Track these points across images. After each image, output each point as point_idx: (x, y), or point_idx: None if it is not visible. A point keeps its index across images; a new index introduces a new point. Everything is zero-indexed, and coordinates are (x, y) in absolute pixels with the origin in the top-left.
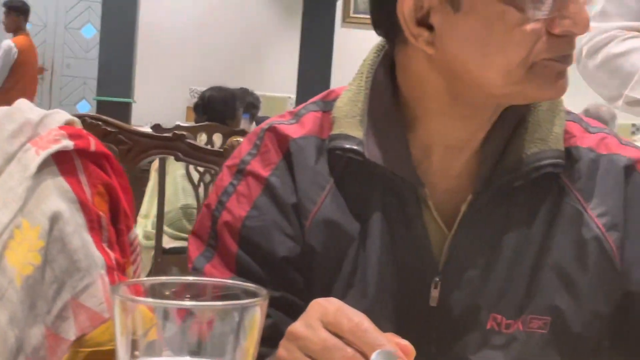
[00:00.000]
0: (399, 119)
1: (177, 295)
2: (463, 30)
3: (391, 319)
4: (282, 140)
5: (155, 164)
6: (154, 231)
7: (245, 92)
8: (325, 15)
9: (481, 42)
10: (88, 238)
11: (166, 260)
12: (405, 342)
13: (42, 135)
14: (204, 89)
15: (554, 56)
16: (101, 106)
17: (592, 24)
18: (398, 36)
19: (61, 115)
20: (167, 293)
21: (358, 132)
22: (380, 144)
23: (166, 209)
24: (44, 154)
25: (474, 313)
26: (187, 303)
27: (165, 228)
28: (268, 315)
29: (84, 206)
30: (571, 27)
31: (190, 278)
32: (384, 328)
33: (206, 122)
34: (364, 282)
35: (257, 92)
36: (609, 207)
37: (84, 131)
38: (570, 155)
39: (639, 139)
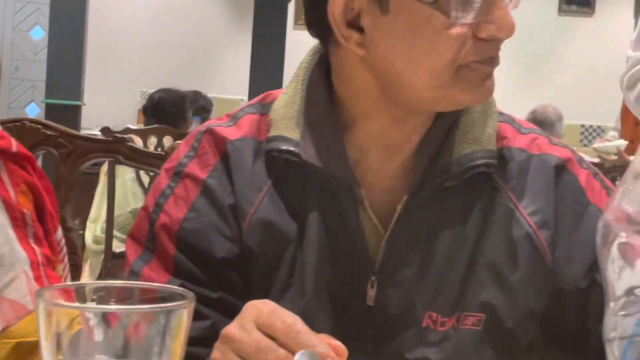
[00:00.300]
0: (335, 121)
1: (104, 299)
2: (391, 33)
3: (329, 318)
4: (219, 142)
5: (105, 168)
6: (103, 235)
7: (197, 95)
8: (277, 17)
9: (409, 45)
10: (12, 234)
11: (116, 264)
12: (337, 343)
13: None
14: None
15: (481, 59)
16: (50, 109)
17: (630, 53)
18: (331, 38)
19: None
20: (94, 297)
21: (295, 134)
22: (316, 145)
23: (116, 213)
24: None
25: (410, 311)
26: (113, 307)
27: (115, 232)
28: (207, 317)
29: (6, 204)
30: (496, 32)
31: (118, 282)
32: (321, 327)
33: (156, 125)
34: (301, 282)
35: (210, 95)
36: (540, 205)
37: (5, 133)
38: (502, 155)
39: (612, 137)
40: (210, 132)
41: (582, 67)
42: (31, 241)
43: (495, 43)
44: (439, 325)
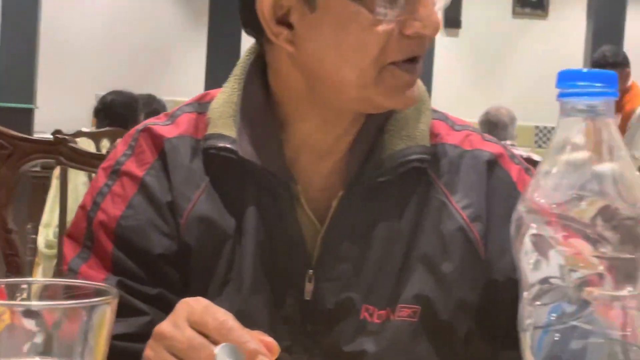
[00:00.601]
0: (272, 119)
1: (29, 297)
2: (319, 29)
3: (267, 312)
4: (156, 140)
5: (57, 172)
6: (55, 240)
7: (150, 99)
8: (232, 19)
9: (336, 41)
10: None
11: None
12: (269, 340)
13: None
14: None
15: (406, 57)
16: (3, 113)
17: None
18: (264, 36)
19: None
20: (17, 295)
21: (232, 132)
22: (254, 143)
23: (68, 217)
24: None
25: (347, 305)
26: (35, 303)
27: None
28: (146, 313)
29: None
30: (421, 29)
31: (42, 279)
32: (259, 322)
33: (108, 128)
34: (239, 277)
35: (166, 97)
36: (472, 199)
37: None
38: (436, 151)
39: None
40: (147, 130)
41: (536, 68)
42: None
43: (420, 41)
44: (376, 317)
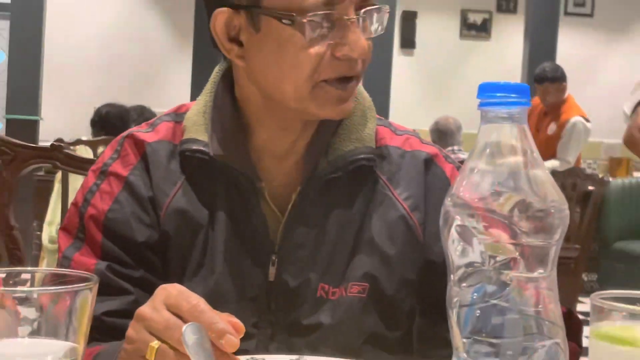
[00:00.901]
0: (238, 126)
1: (21, 284)
2: (263, 48)
3: (236, 292)
4: (139, 144)
5: (59, 176)
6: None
7: (143, 109)
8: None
9: (276, 60)
10: None
11: None
12: (236, 321)
13: None
14: None
15: (337, 76)
16: (10, 124)
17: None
18: None
19: None
20: (12, 283)
21: (204, 137)
22: (223, 146)
23: None
24: None
25: (305, 284)
26: (24, 289)
27: None
28: (131, 292)
29: None
30: (349, 52)
31: (32, 268)
32: (230, 300)
33: (103, 137)
34: (212, 261)
35: (156, 109)
36: (412, 192)
37: None
38: (381, 152)
39: None
40: (131, 136)
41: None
42: None
43: (349, 63)
44: (331, 294)
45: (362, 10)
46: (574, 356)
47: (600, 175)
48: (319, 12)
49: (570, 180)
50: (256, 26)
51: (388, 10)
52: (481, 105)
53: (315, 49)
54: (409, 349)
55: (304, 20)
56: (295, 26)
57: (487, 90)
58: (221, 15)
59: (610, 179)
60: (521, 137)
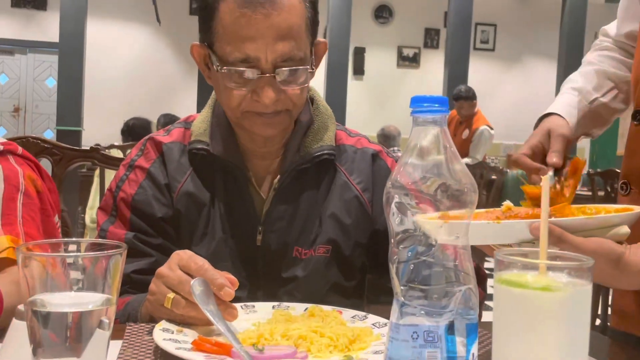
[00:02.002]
0: (232, 131)
1: (68, 250)
2: (213, 79)
3: (232, 254)
4: (157, 144)
5: (97, 171)
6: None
7: (167, 117)
8: None
9: (218, 90)
10: (0, 195)
11: None
12: (232, 277)
13: None
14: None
15: (258, 111)
16: (60, 133)
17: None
18: None
19: None
20: (59, 250)
21: (207, 139)
22: (220, 146)
23: None
24: None
25: (284, 247)
26: (72, 254)
27: None
28: (152, 256)
29: (5, 176)
30: (259, 100)
31: (79, 239)
32: (226, 261)
33: (131, 142)
34: (213, 231)
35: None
36: (363, 178)
37: (15, 143)
38: (339, 149)
39: None
40: (151, 139)
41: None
42: (19, 203)
43: (261, 105)
44: (303, 255)
45: (278, 70)
46: (481, 298)
47: (500, 168)
48: (236, 68)
49: (478, 171)
50: (210, 63)
51: (308, 69)
52: (413, 112)
53: (238, 92)
54: (361, 295)
55: (224, 70)
56: (224, 76)
57: (418, 101)
58: (196, 47)
59: (507, 171)
60: (442, 137)
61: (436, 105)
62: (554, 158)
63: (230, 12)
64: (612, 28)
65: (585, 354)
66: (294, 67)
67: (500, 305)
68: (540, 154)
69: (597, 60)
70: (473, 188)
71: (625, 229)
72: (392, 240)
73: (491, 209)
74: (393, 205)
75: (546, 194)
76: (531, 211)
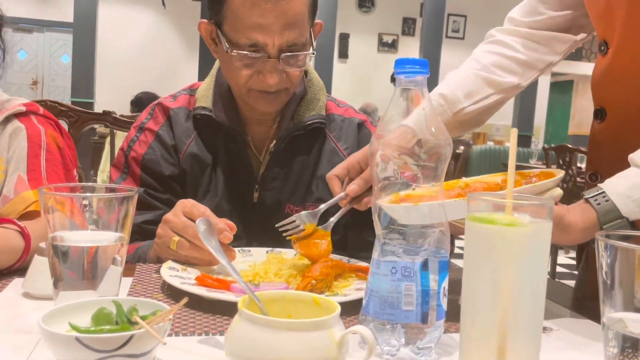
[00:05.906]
0: (232, 99)
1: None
2: (220, 55)
3: (232, 208)
4: (165, 109)
5: (108, 139)
6: (107, 180)
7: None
8: None
9: (225, 67)
10: (24, 152)
11: None
12: (231, 223)
13: (8, 108)
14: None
15: (262, 89)
16: (74, 104)
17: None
18: None
19: (20, 99)
20: (77, 193)
21: (210, 105)
22: (222, 112)
23: None
24: (6, 113)
25: (277, 204)
26: (87, 194)
27: None
28: (160, 208)
29: (30, 137)
30: (264, 80)
31: (95, 184)
32: (227, 215)
33: (138, 113)
34: (215, 188)
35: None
36: (349, 144)
37: (36, 104)
38: (329, 118)
39: None
40: (159, 104)
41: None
42: (42, 159)
43: (266, 85)
44: (294, 211)
45: (283, 55)
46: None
47: (467, 141)
48: (245, 51)
49: None
50: (217, 40)
51: (309, 53)
52: (396, 74)
53: (245, 71)
54: (345, 248)
55: (234, 53)
56: (232, 56)
57: (401, 64)
58: (204, 24)
59: (473, 145)
60: (422, 96)
61: (417, 67)
62: (352, 186)
63: None
64: (519, 13)
65: (544, 281)
66: (298, 53)
67: (471, 240)
68: (356, 173)
69: (486, 59)
70: (448, 142)
71: (559, 191)
72: (375, 188)
73: (450, 183)
74: (378, 157)
75: (514, 146)
76: (486, 185)
